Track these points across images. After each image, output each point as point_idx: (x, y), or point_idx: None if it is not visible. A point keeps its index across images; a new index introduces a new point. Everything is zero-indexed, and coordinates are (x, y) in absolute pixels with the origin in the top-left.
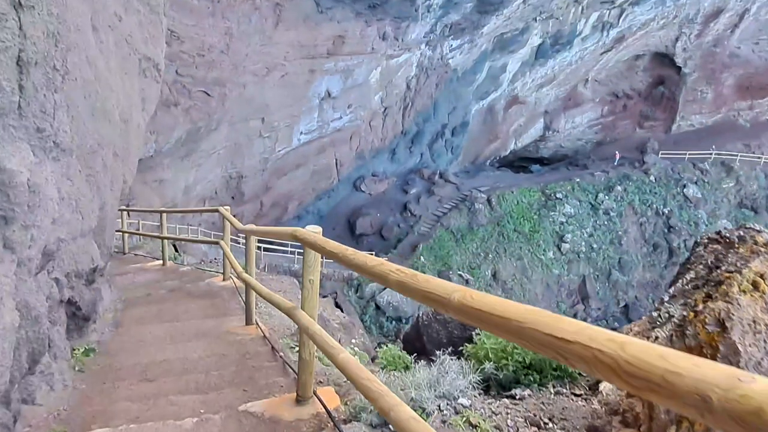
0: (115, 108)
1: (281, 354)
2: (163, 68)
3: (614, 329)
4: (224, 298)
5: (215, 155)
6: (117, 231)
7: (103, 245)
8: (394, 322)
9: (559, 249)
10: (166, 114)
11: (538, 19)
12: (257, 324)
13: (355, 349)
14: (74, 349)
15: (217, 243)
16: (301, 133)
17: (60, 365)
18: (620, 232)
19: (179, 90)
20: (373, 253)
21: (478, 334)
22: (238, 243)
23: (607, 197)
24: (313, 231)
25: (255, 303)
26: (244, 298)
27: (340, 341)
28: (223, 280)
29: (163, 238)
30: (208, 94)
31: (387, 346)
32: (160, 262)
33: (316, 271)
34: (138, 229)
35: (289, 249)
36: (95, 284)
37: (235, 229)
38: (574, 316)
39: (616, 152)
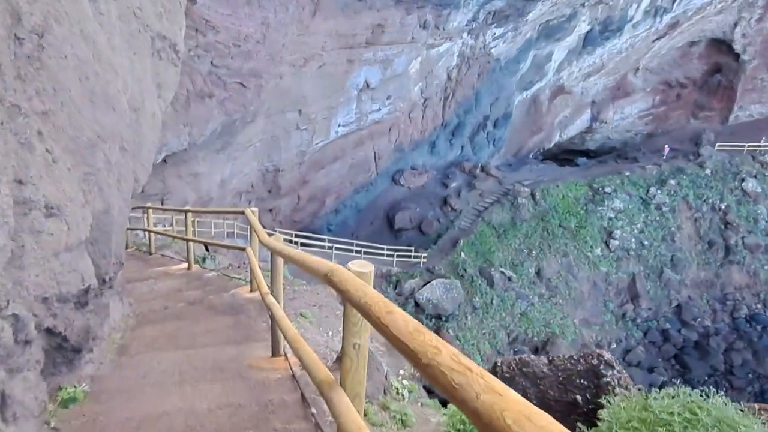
0: (122, 94)
1: (314, 412)
2: (182, 50)
3: (665, 330)
4: (250, 314)
5: (251, 148)
6: (143, 230)
7: (108, 255)
8: (433, 320)
9: (608, 246)
10: (201, 106)
11: (586, 4)
12: (285, 356)
13: (404, 382)
14: (60, 388)
15: (243, 249)
16: (339, 125)
17: (23, 428)
18: (673, 228)
19: (214, 81)
20: (413, 248)
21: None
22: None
23: (659, 191)
24: (360, 269)
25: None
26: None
27: (386, 376)
28: (250, 291)
29: (187, 240)
30: (244, 86)
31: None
32: (186, 265)
33: (364, 332)
34: (171, 226)
35: (327, 244)
36: (89, 307)
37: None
38: (623, 316)
39: (666, 145)
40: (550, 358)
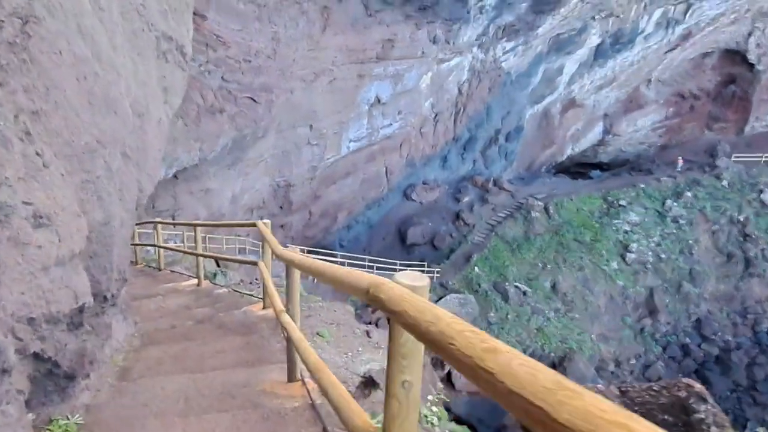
0: (124, 97)
1: None
2: (190, 52)
3: (685, 345)
4: (262, 334)
5: (262, 163)
6: (151, 246)
7: (109, 270)
8: None
9: (624, 259)
10: (212, 121)
11: (597, 17)
12: (303, 380)
13: (433, 408)
14: (51, 420)
15: (255, 264)
16: (350, 140)
17: None
18: (691, 241)
19: (225, 96)
20: (425, 263)
21: None
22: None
23: (675, 204)
24: (412, 282)
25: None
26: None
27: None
28: (263, 308)
29: (197, 255)
30: (255, 101)
31: None
32: (196, 281)
33: (417, 365)
34: (182, 242)
35: (339, 260)
36: (84, 328)
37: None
38: (642, 330)
39: (680, 157)
40: (623, 389)
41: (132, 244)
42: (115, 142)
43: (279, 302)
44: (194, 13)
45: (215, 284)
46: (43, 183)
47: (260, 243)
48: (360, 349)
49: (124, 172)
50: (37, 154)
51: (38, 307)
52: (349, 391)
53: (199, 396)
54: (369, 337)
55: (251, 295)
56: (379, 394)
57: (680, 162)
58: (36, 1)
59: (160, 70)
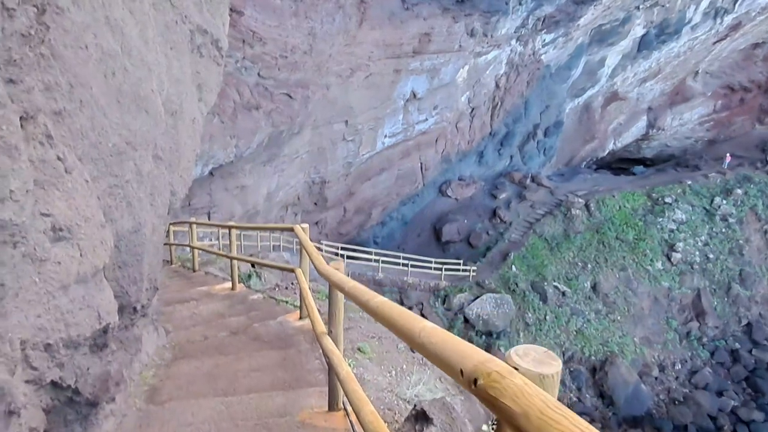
0: (156, 95)
1: None
2: (225, 47)
3: (735, 350)
4: (300, 348)
5: (298, 160)
6: (186, 245)
7: (139, 281)
8: (484, 337)
9: (669, 259)
10: (248, 117)
11: (641, 7)
12: (345, 410)
13: None
14: None
15: (292, 271)
16: (386, 136)
17: None
18: (741, 241)
19: (261, 93)
20: (461, 261)
21: None
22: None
23: (724, 201)
24: (540, 370)
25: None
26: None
27: None
28: (300, 317)
29: (231, 258)
30: (291, 97)
31: None
32: (230, 284)
33: None
34: (218, 239)
35: (373, 257)
36: (109, 348)
37: (314, 266)
38: (688, 334)
39: (728, 154)
40: None
41: (167, 244)
42: (146, 144)
43: (320, 321)
44: (231, 9)
45: (249, 288)
46: (64, 191)
47: (295, 240)
48: (404, 366)
49: (156, 176)
50: (59, 158)
51: (56, 332)
52: (397, 423)
53: (233, 427)
54: (413, 352)
55: (287, 303)
56: None
57: (728, 158)
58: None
59: (195, 66)
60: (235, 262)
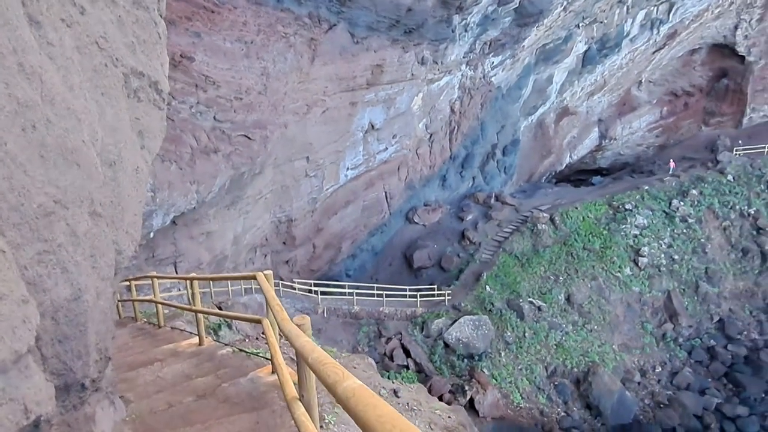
0: (88, 146)
1: None
2: (166, 89)
3: (711, 348)
4: (273, 407)
5: (262, 200)
6: (148, 301)
7: (85, 354)
8: (465, 360)
9: (637, 264)
10: (206, 162)
11: (581, 25)
12: None
13: None
14: None
15: (259, 322)
16: (348, 168)
17: None
18: (703, 240)
19: (218, 136)
20: (435, 286)
21: None
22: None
23: (682, 203)
24: None
25: None
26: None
27: None
28: (272, 371)
29: (196, 312)
30: (249, 138)
31: None
32: (197, 339)
33: None
34: (186, 288)
35: (347, 291)
36: None
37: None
38: (664, 336)
39: (671, 160)
40: None
41: (127, 300)
42: (79, 200)
43: (290, 384)
44: (181, 55)
45: (218, 342)
46: None
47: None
48: None
49: (95, 234)
50: None
51: None
52: None
53: None
54: (397, 397)
55: (258, 354)
56: None
57: (672, 165)
58: None
59: (133, 111)
60: (200, 315)
